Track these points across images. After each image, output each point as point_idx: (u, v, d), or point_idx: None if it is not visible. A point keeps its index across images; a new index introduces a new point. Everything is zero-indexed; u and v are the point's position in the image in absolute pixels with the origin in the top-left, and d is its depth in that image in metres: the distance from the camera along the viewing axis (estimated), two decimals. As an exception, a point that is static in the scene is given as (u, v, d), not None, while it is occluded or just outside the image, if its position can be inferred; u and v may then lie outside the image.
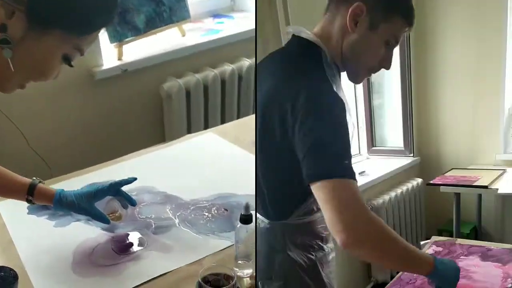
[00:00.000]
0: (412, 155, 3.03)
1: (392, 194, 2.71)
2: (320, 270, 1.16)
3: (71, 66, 1.10)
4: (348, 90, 2.85)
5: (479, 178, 2.53)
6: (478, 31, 2.86)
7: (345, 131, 1.00)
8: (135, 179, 1.49)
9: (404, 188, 2.82)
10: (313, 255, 1.15)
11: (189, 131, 2.59)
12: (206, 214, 1.58)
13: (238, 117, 2.77)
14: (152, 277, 1.32)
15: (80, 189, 1.46)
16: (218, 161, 1.88)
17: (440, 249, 1.67)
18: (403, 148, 3.05)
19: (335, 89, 1.04)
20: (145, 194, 1.67)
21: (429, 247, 1.70)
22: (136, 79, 2.50)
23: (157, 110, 2.61)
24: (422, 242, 1.82)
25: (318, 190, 0.96)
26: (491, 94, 2.84)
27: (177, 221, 1.55)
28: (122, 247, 1.43)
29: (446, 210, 2.75)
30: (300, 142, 1.00)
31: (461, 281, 1.37)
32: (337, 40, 1.10)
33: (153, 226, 1.52)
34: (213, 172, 1.81)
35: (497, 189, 2.34)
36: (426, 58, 3.03)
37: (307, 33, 1.11)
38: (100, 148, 2.41)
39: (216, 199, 1.65)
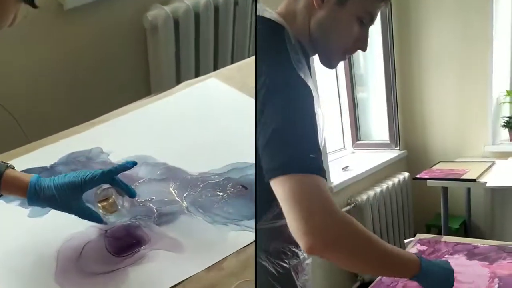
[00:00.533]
0: (398, 148, 3.02)
1: (378, 189, 2.70)
2: (295, 278, 1.13)
3: (34, 6, 0.89)
4: (330, 81, 2.83)
5: (467, 171, 2.53)
6: (464, 18, 2.85)
7: (310, 121, 0.91)
8: (134, 163, 1.21)
9: (390, 183, 2.80)
10: (286, 263, 1.11)
11: (178, 68, 2.35)
12: (220, 193, 1.33)
13: (233, 51, 2.52)
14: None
15: (62, 176, 1.15)
16: (226, 117, 1.59)
17: (424, 247, 1.65)
18: (388, 142, 3.04)
19: (302, 75, 0.95)
20: (141, 167, 1.38)
21: (413, 246, 1.68)
22: (114, 7, 2.17)
23: (140, 44, 2.31)
24: (406, 240, 1.81)
25: (278, 187, 0.87)
26: (478, 83, 2.83)
27: (185, 205, 1.29)
28: (119, 246, 1.18)
29: (434, 204, 2.74)
30: (260, 134, 0.91)
31: (446, 283, 1.36)
32: (303, 19, 1.03)
33: (156, 214, 1.26)
34: (222, 133, 1.52)
35: (486, 182, 2.34)
36: (411, 48, 3.01)
37: (270, 12, 1.04)
38: (77, 97, 2.14)
39: (230, 172, 1.39)
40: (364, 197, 2.59)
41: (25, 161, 1.40)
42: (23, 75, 2.07)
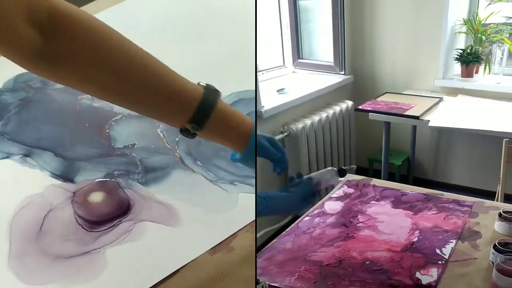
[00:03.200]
0: (343, 73, 3.03)
1: (316, 118, 2.69)
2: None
3: None
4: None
5: (412, 106, 2.58)
6: None
7: None
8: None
9: (331, 111, 2.81)
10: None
11: None
12: None
13: None
14: (155, 282, 0.90)
15: None
16: (230, 22, 1.33)
17: (351, 190, 1.71)
18: (333, 64, 3.05)
19: None
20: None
21: (340, 187, 1.74)
22: None
23: None
24: (335, 180, 1.86)
25: None
26: (434, 9, 2.83)
27: (178, 155, 1.10)
28: (93, 216, 1.00)
29: (379, 138, 2.80)
30: None
31: (364, 232, 1.42)
32: None
33: (140, 168, 1.07)
34: (224, 45, 1.26)
35: (429, 120, 2.40)
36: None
37: None
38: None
39: (235, 104, 1.16)
40: (299, 125, 2.58)
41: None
42: None
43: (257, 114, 2.38)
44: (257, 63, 2.20)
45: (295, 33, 3.01)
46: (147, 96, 0.83)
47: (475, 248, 1.31)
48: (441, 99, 2.70)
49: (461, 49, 2.82)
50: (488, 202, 1.57)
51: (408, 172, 3.15)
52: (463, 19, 2.83)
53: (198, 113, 0.85)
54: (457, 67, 2.88)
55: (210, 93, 0.87)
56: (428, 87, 2.92)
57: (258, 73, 2.52)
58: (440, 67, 2.88)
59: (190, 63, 1.18)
